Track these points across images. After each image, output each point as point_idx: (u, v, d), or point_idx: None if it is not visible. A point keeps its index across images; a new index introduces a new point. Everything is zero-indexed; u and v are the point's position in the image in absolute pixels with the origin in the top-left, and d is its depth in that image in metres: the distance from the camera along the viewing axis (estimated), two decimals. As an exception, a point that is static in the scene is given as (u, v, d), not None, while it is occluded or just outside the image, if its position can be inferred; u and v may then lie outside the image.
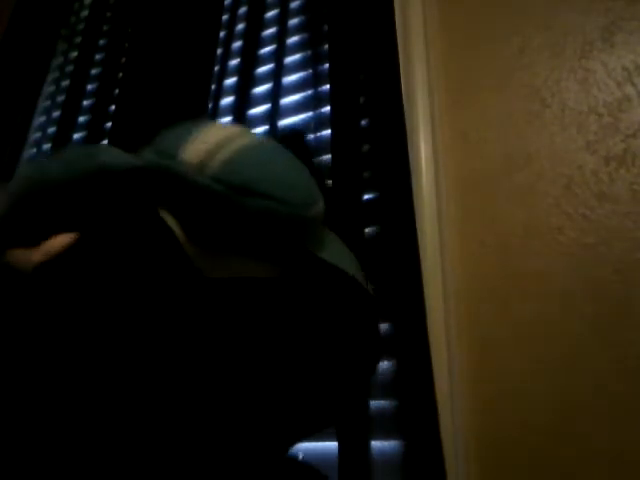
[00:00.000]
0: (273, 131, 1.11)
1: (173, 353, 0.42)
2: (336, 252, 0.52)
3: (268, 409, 0.44)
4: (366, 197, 0.94)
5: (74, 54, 1.57)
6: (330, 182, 0.98)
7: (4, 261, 0.47)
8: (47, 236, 0.47)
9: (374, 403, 0.83)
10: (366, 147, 0.97)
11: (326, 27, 1.14)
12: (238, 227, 0.47)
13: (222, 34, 1.27)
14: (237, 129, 0.52)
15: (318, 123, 1.08)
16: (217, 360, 0.43)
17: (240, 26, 1.28)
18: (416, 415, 0.76)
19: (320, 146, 1.05)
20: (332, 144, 0.98)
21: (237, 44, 1.26)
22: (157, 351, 0.42)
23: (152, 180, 0.48)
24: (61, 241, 0.46)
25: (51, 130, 1.47)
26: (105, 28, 1.52)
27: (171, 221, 0.47)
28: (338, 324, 0.49)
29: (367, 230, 0.92)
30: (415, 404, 0.77)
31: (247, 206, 0.45)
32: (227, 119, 1.19)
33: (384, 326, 0.84)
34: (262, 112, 1.16)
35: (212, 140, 0.49)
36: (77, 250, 0.46)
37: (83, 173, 0.48)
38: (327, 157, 1.03)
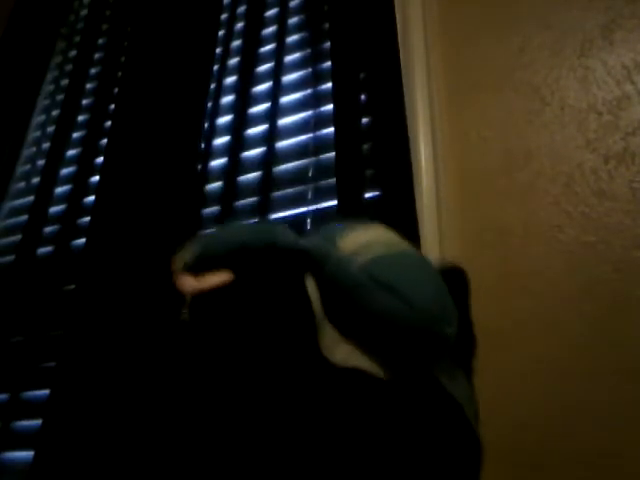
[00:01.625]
0: (272, 130, 1.11)
1: (278, 419, 0.44)
2: (459, 385, 0.54)
3: None
4: (368, 195, 0.94)
5: (73, 53, 1.57)
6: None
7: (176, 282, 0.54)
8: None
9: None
10: (368, 146, 0.97)
11: (326, 25, 1.14)
12: (370, 320, 0.49)
13: (221, 33, 1.27)
14: (392, 235, 0.57)
15: (318, 121, 1.08)
16: (319, 441, 0.44)
17: (239, 25, 1.28)
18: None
19: (320, 145, 1.06)
20: (335, 142, 0.98)
21: (236, 43, 1.26)
22: (264, 413, 0.44)
23: (311, 259, 0.54)
24: (218, 278, 0.52)
25: (50, 129, 1.47)
26: (104, 27, 1.52)
27: (313, 294, 0.52)
28: (437, 456, 0.48)
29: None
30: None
31: (382, 301, 0.49)
32: (226, 118, 1.18)
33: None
34: (261, 111, 1.16)
35: (364, 238, 0.54)
36: (229, 290, 0.51)
37: (261, 244, 0.55)
38: (327, 156, 1.03)
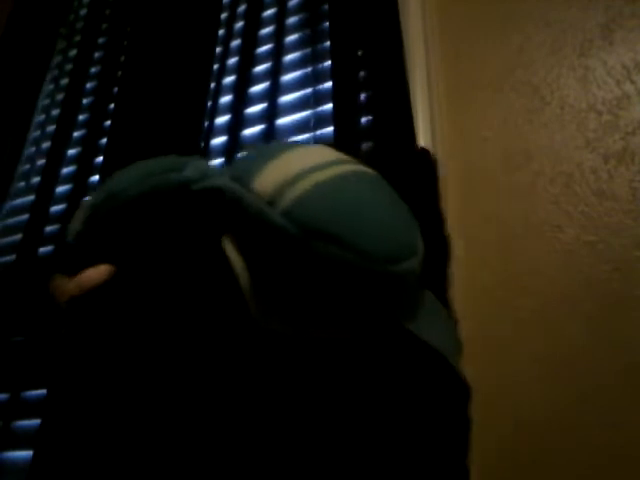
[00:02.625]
0: (271, 129, 1.10)
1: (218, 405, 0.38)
2: (428, 324, 0.43)
3: None
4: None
5: (73, 52, 1.57)
6: None
7: (50, 288, 0.45)
8: (104, 258, 0.43)
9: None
10: (367, 145, 0.97)
11: (325, 25, 1.14)
12: (305, 276, 0.39)
13: (222, 31, 1.27)
14: (323, 157, 0.44)
15: (317, 121, 1.08)
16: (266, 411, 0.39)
17: (239, 24, 1.28)
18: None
19: (319, 144, 1.05)
20: (334, 141, 0.97)
21: (236, 42, 1.26)
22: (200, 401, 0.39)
23: (225, 206, 0.43)
24: (95, 275, 0.43)
25: (50, 128, 1.47)
26: (104, 26, 1.52)
27: (234, 256, 0.41)
28: (421, 407, 0.42)
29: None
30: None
31: (317, 253, 0.38)
32: (225, 118, 1.18)
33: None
34: (260, 111, 1.16)
35: (288, 170, 0.42)
36: (111, 287, 0.43)
37: (165, 186, 0.47)
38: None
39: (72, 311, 0.44)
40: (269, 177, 0.42)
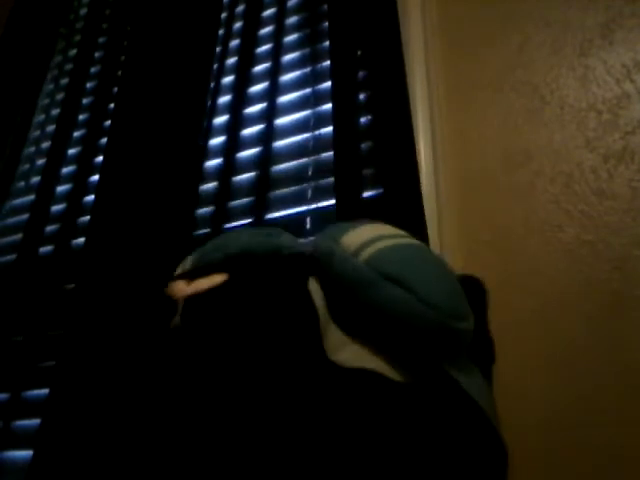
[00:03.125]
0: (270, 129, 1.10)
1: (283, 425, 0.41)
2: (475, 384, 0.49)
3: None
4: (368, 194, 0.94)
5: (73, 52, 1.57)
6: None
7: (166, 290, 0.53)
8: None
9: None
10: (367, 145, 0.97)
11: (325, 25, 1.14)
12: (377, 315, 0.47)
13: (222, 31, 1.27)
14: (390, 230, 0.55)
15: (317, 120, 1.08)
16: (328, 444, 0.41)
17: (238, 24, 1.28)
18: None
19: (319, 144, 1.05)
20: (334, 141, 0.97)
21: (235, 42, 1.26)
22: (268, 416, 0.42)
23: (314, 261, 0.53)
24: (210, 281, 0.51)
25: (50, 128, 1.47)
26: (104, 26, 1.52)
27: (317, 296, 0.50)
28: (457, 457, 0.44)
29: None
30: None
31: (390, 293, 0.46)
32: (224, 117, 1.18)
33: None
34: (259, 111, 1.16)
35: (368, 234, 0.53)
36: (222, 292, 0.50)
37: (263, 250, 0.55)
38: (326, 155, 1.03)
39: (189, 307, 0.50)
40: (354, 237, 0.52)
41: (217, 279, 0.51)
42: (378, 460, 0.41)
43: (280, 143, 1.10)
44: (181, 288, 0.52)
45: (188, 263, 0.58)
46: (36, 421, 1.07)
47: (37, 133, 1.50)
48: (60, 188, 1.35)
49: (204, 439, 0.43)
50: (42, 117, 1.52)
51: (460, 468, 0.44)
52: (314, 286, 0.52)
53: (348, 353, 0.47)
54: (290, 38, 1.20)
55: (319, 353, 0.46)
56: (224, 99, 1.21)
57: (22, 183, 1.45)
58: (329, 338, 0.48)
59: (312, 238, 0.61)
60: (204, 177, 1.14)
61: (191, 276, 0.55)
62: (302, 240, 0.97)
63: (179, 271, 0.58)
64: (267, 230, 0.60)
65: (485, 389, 0.51)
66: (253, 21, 1.24)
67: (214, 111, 1.19)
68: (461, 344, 0.49)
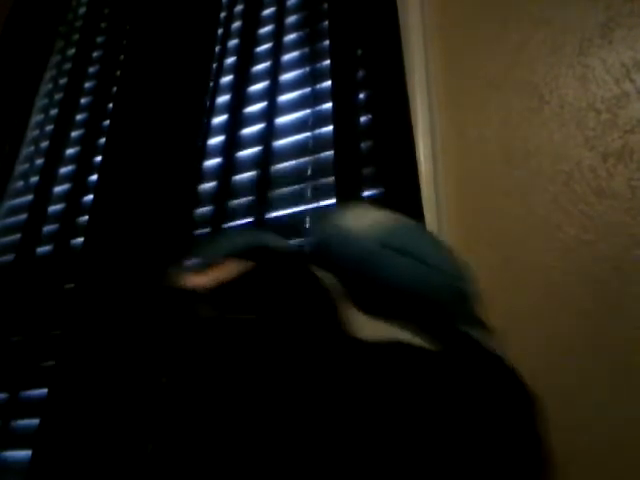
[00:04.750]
0: (270, 128, 1.10)
1: (317, 408, 0.41)
2: (489, 338, 0.52)
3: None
4: (368, 193, 0.94)
5: (72, 52, 1.56)
6: None
7: (180, 284, 0.50)
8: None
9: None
10: (366, 144, 0.97)
11: (325, 24, 1.13)
12: (389, 286, 0.49)
13: (221, 31, 1.27)
14: (396, 214, 0.57)
15: (317, 120, 1.08)
16: (361, 422, 0.40)
17: (237, 24, 1.28)
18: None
19: (319, 143, 1.05)
20: (334, 140, 0.97)
21: (235, 41, 1.26)
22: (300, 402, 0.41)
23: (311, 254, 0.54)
24: (234, 267, 0.49)
25: (49, 128, 1.47)
26: (103, 26, 1.52)
27: (327, 278, 0.49)
28: (492, 410, 0.44)
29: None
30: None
31: (399, 264, 0.48)
32: (224, 117, 1.18)
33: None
34: (259, 110, 1.16)
35: (373, 215, 0.54)
36: (253, 277, 0.48)
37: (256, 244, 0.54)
38: (325, 154, 1.03)
39: (221, 294, 0.48)
40: (356, 219, 0.54)
41: (240, 265, 0.49)
42: (425, 426, 0.40)
43: (280, 142, 1.10)
44: (196, 278, 0.50)
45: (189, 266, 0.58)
46: (35, 421, 1.07)
47: (36, 133, 1.50)
48: (59, 188, 1.35)
49: (212, 436, 0.42)
50: (41, 117, 1.52)
51: (497, 419, 0.45)
52: (320, 273, 0.51)
53: (371, 330, 0.47)
54: (290, 37, 1.20)
55: (345, 333, 0.46)
56: (224, 98, 1.20)
57: (21, 183, 1.44)
58: (349, 317, 0.48)
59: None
60: (204, 176, 1.13)
61: (194, 270, 0.53)
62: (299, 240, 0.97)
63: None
64: (249, 233, 0.61)
65: (497, 341, 0.54)
66: (253, 20, 1.24)
67: (214, 110, 1.18)
68: (469, 304, 0.52)
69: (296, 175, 1.05)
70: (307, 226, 0.99)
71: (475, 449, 0.41)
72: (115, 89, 1.35)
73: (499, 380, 0.48)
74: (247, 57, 1.20)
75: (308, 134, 1.08)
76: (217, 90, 1.20)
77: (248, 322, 0.45)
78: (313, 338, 0.44)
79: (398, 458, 0.39)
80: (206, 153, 1.15)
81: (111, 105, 1.34)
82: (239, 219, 1.06)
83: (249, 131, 1.14)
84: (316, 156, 1.05)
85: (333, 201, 0.95)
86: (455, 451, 0.40)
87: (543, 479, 0.47)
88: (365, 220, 0.53)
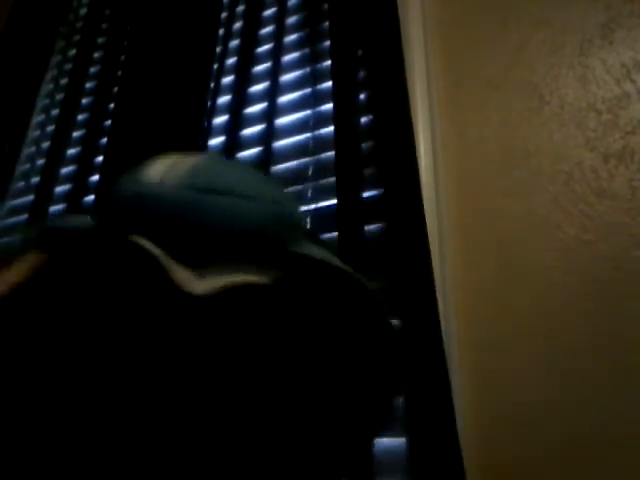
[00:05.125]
0: (270, 128, 1.10)
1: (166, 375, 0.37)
2: (324, 252, 0.51)
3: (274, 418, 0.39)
4: (369, 194, 0.94)
5: (73, 52, 1.57)
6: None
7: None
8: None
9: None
10: (367, 144, 0.97)
11: (325, 24, 1.14)
12: (210, 232, 0.45)
13: (222, 31, 1.27)
14: (197, 154, 0.54)
15: (317, 120, 1.08)
16: (216, 374, 0.38)
17: (238, 24, 1.28)
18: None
19: (319, 144, 1.06)
20: (335, 141, 0.98)
21: (235, 42, 1.26)
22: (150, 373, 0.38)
23: (124, 212, 0.49)
24: (20, 269, 0.43)
25: (50, 128, 1.47)
26: (104, 26, 1.52)
27: (147, 244, 0.45)
28: (344, 321, 0.44)
29: (371, 227, 0.92)
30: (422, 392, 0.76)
31: (215, 205, 0.45)
32: (224, 117, 1.18)
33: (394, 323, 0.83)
34: (260, 110, 1.16)
35: (170, 160, 0.51)
36: (41, 280, 0.42)
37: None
38: (326, 154, 1.03)
39: (6, 305, 0.41)
40: (151, 173, 0.49)
41: (26, 265, 0.43)
42: (280, 361, 0.39)
43: (280, 143, 1.10)
44: None
45: (184, 166, 0.51)
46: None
47: (37, 133, 1.50)
48: (60, 188, 1.35)
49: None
50: (42, 117, 1.52)
51: (348, 329, 0.44)
52: (141, 240, 0.46)
53: (205, 282, 0.43)
54: (290, 38, 1.20)
55: (175, 290, 0.42)
56: (224, 99, 1.20)
57: (22, 183, 1.45)
58: (180, 279, 0.43)
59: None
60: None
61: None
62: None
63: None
64: (48, 220, 0.56)
65: (318, 246, 0.52)
66: (253, 21, 1.24)
67: (214, 111, 1.19)
68: (299, 225, 0.52)
69: (297, 176, 1.06)
70: (308, 227, 0.99)
71: (328, 369, 0.41)
72: (116, 89, 1.35)
73: (345, 293, 0.46)
74: (248, 57, 1.20)
75: (309, 135, 1.08)
76: (218, 91, 1.21)
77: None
78: (148, 309, 0.40)
79: (254, 392, 0.38)
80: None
81: (112, 105, 1.34)
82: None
83: (249, 132, 1.14)
84: (317, 157, 1.05)
85: (334, 201, 0.95)
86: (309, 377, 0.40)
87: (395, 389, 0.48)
88: (167, 168, 0.49)
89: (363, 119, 1.00)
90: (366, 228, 0.91)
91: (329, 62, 1.06)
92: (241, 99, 1.16)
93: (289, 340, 0.40)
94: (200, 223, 0.46)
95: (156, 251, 0.44)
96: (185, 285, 0.42)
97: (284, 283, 0.44)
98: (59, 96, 1.51)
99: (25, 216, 1.35)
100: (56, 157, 1.37)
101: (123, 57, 1.39)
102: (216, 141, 1.17)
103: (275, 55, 1.17)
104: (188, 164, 0.49)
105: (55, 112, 1.49)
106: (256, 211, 0.46)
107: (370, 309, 0.48)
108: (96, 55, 1.49)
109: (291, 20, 1.22)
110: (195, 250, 0.46)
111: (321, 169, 1.03)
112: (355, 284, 0.49)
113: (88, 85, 1.45)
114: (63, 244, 0.46)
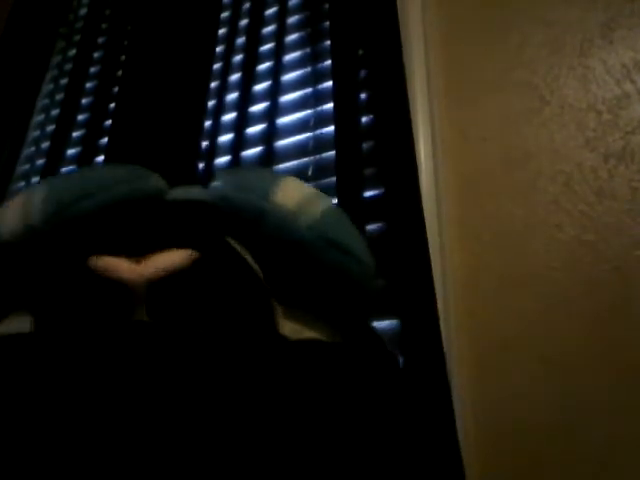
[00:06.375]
0: (272, 128, 1.11)
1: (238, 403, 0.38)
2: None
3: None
4: (370, 194, 0.94)
5: (73, 52, 1.56)
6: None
7: (100, 269, 0.42)
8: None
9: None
10: (368, 144, 0.97)
11: (326, 24, 1.14)
12: (320, 276, 0.49)
13: (223, 31, 1.27)
14: (313, 189, 0.57)
15: (318, 120, 1.08)
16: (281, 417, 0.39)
17: (240, 23, 1.28)
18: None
19: (320, 144, 1.06)
20: (335, 141, 0.98)
21: (238, 41, 1.26)
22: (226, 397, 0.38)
23: (221, 215, 0.50)
24: (175, 259, 0.43)
25: (50, 128, 1.47)
26: (104, 26, 1.52)
27: (243, 251, 0.48)
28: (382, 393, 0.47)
29: (371, 227, 0.92)
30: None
31: (334, 258, 0.49)
32: (227, 116, 1.18)
33: (392, 323, 0.83)
34: (261, 110, 1.16)
35: (301, 193, 0.53)
36: (196, 271, 0.43)
37: (140, 194, 0.50)
38: (327, 154, 1.03)
39: (158, 294, 0.41)
40: (288, 196, 0.50)
41: (182, 255, 0.43)
42: (333, 420, 0.41)
43: (281, 142, 1.10)
44: (129, 268, 0.42)
45: (33, 209, 0.47)
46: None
47: (37, 133, 1.50)
48: (60, 188, 1.35)
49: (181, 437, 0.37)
50: (42, 117, 1.52)
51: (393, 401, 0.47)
52: (239, 247, 0.48)
53: (289, 328, 0.47)
54: (291, 37, 1.20)
55: (274, 329, 0.45)
56: (224, 99, 1.20)
57: (22, 183, 1.45)
58: (279, 318, 0.47)
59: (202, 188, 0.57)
60: (208, 175, 1.13)
61: (55, 236, 0.45)
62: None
63: (16, 219, 0.47)
64: (126, 169, 0.52)
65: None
66: (254, 21, 1.24)
67: (215, 110, 1.18)
68: (375, 292, 0.56)
69: (297, 175, 1.05)
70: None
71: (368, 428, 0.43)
72: (116, 89, 1.35)
73: (388, 368, 0.51)
74: (248, 58, 1.20)
75: (309, 134, 1.08)
76: (218, 90, 1.20)
77: (183, 334, 0.39)
78: (254, 347, 0.42)
79: (321, 444, 0.39)
80: (214, 152, 1.15)
81: (112, 105, 1.34)
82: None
83: (251, 131, 1.14)
84: (317, 156, 1.05)
85: (334, 201, 0.95)
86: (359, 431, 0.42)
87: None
88: (301, 199, 0.51)
89: (364, 119, 1.00)
90: (366, 228, 0.91)
91: (330, 62, 1.06)
92: (246, 97, 1.16)
93: (343, 398, 0.42)
94: (315, 270, 0.49)
95: (250, 258, 0.47)
96: (280, 326, 0.46)
97: (350, 350, 0.48)
98: (59, 96, 1.51)
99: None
100: (56, 157, 1.37)
101: (123, 57, 1.39)
102: (221, 139, 1.16)
103: (276, 55, 1.17)
104: (317, 207, 0.51)
105: (55, 112, 1.48)
106: (363, 276, 0.50)
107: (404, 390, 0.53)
108: (96, 55, 1.48)
109: (292, 20, 1.21)
110: (291, 285, 0.49)
111: (321, 169, 1.03)
112: (389, 362, 0.53)
113: (88, 85, 1.45)
114: (209, 245, 0.46)
